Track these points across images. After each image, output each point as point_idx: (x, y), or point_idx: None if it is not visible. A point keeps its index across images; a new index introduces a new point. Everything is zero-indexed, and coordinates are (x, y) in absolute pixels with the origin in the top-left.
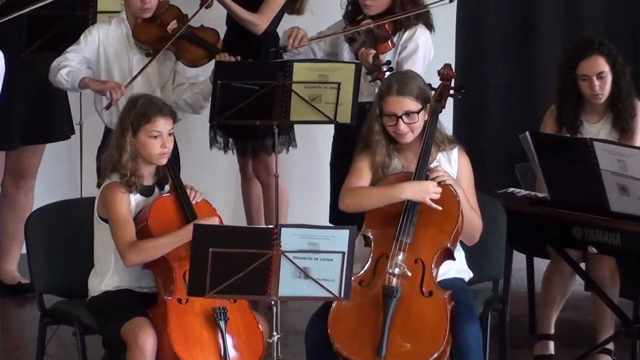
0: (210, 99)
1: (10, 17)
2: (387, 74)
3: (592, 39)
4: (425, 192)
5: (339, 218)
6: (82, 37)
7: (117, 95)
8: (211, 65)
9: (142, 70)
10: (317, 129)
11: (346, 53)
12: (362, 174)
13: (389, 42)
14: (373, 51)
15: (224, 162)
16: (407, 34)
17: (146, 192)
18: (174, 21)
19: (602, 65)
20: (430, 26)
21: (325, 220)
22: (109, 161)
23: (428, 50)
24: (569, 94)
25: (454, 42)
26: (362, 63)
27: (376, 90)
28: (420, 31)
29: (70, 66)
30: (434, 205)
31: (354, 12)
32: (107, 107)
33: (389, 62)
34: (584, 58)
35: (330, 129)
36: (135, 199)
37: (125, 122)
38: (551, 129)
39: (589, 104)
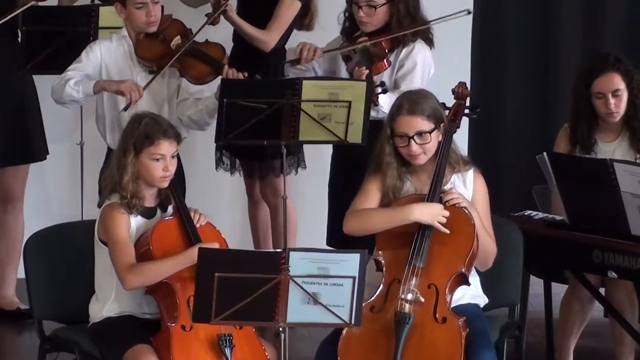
0: (215, 115)
1: None
2: (381, 96)
3: (608, 55)
4: (434, 214)
5: (337, 241)
6: (83, 53)
7: (136, 97)
8: (217, 81)
9: (145, 86)
10: (327, 149)
11: (343, 71)
12: (369, 196)
13: (385, 61)
14: (366, 71)
15: (230, 184)
16: (404, 51)
17: (147, 214)
18: (178, 37)
19: (618, 82)
20: (429, 42)
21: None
22: (109, 181)
23: (427, 68)
24: (583, 111)
25: (469, 58)
26: None
27: (372, 111)
28: (419, 48)
29: (75, 78)
30: (442, 228)
31: (351, 29)
32: (126, 109)
33: (382, 84)
34: (599, 75)
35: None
36: (136, 221)
37: (128, 142)
38: (564, 148)
39: (604, 122)
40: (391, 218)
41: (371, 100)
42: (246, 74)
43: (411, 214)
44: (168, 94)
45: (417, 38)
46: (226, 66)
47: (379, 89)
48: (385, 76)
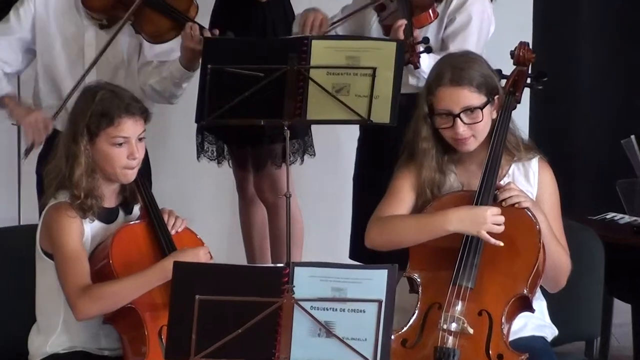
0: (183, 85)
1: None
2: (424, 56)
3: None
4: (479, 221)
5: (363, 253)
6: (12, 11)
7: (40, 139)
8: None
9: (100, 55)
10: (343, 131)
11: (374, 27)
12: (401, 197)
13: (430, 12)
14: (403, 22)
15: (215, 178)
16: (456, 2)
17: (107, 217)
18: None
19: None
20: None
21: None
22: (55, 175)
23: (486, 24)
24: None
25: (532, 11)
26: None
27: (410, 78)
28: None
29: None
30: (492, 240)
31: None
32: (26, 153)
33: (426, 40)
34: None
35: (357, 131)
36: (91, 227)
37: (79, 124)
38: None
39: None
40: (424, 228)
41: (410, 61)
42: (217, 32)
43: (447, 222)
44: (124, 55)
45: None
46: (189, 24)
47: (421, 47)
48: (430, 33)
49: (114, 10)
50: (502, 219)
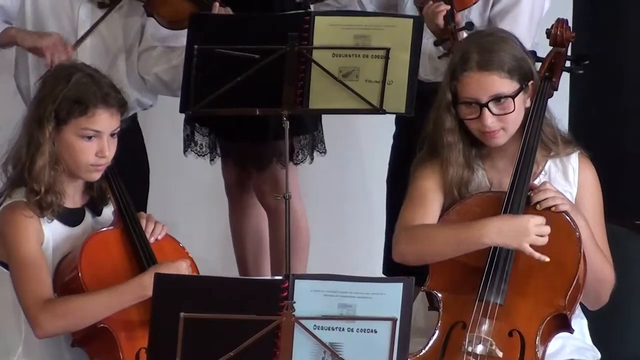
0: None
1: None
2: None
3: None
4: (521, 232)
5: (400, 267)
6: None
7: (61, 57)
8: None
9: (93, 27)
10: (359, 124)
11: (409, 5)
12: (428, 201)
13: None
14: (445, 7)
15: (202, 176)
16: None
17: (70, 218)
18: None
19: None
20: None
21: (367, 267)
22: (14, 165)
23: (539, 2)
24: None
25: None
26: (428, 26)
27: None
28: None
29: None
30: (536, 254)
31: None
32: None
33: (470, 26)
34: None
35: (378, 123)
36: (51, 228)
37: (47, 107)
38: None
39: None
40: (458, 240)
41: (451, 50)
42: (228, 10)
43: (484, 235)
44: (126, 40)
45: None
46: (216, 3)
47: (464, 33)
48: (474, 13)
49: None
50: (547, 229)
